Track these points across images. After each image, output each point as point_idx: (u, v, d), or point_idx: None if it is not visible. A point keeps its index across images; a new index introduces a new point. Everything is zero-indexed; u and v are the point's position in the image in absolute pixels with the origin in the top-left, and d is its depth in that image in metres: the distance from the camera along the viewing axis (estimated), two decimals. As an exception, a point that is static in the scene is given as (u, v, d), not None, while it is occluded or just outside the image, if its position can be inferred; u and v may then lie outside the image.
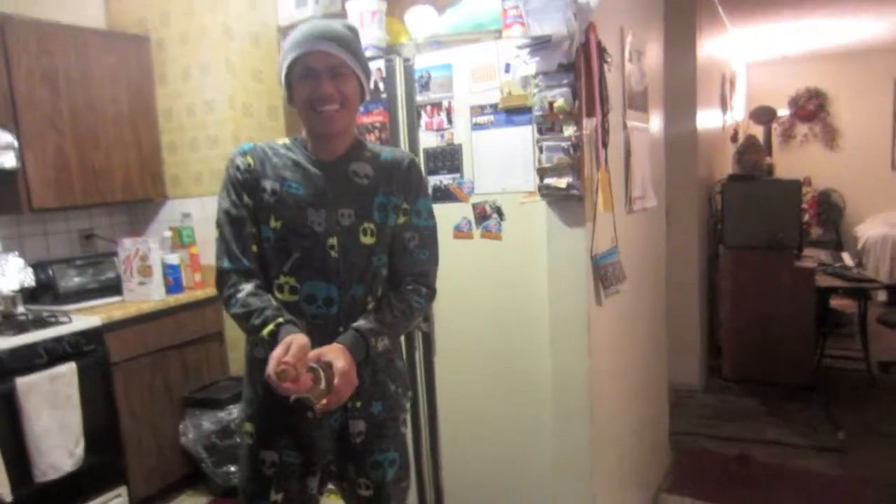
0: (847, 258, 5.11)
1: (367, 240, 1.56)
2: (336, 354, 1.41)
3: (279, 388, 1.33)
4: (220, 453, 3.02)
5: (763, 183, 4.38)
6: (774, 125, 6.26)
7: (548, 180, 2.12)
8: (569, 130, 2.06)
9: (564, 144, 2.06)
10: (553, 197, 2.15)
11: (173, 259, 3.20)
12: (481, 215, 2.40)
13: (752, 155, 4.35)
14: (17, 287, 2.94)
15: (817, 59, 6.83)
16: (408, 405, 1.74)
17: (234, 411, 3.04)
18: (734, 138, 5.38)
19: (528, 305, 2.33)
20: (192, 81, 3.36)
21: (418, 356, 2.61)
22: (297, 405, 1.42)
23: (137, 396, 3.01)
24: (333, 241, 1.53)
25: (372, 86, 2.59)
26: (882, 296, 5.49)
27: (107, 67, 3.28)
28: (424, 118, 2.48)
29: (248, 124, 3.32)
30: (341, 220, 1.54)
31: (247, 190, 1.54)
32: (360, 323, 1.51)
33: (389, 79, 2.54)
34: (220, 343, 3.40)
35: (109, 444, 2.86)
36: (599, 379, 2.25)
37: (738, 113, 6.02)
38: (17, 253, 3.04)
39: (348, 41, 1.50)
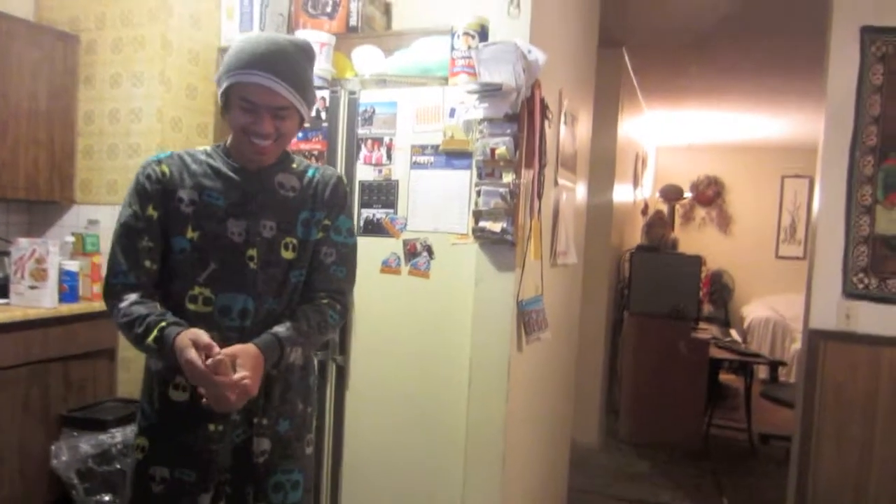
0: (735, 334, 5.46)
1: (288, 254, 1.53)
2: (245, 358, 1.36)
3: (214, 385, 1.29)
4: (96, 480, 2.77)
5: (668, 255, 4.66)
6: (677, 206, 6.72)
7: (483, 223, 2.17)
8: (508, 178, 2.13)
9: (502, 190, 2.12)
10: (486, 240, 2.20)
11: (72, 266, 2.99)
12: (411, 252, 2.41)
13: (659, 229, 4.64)
14: None
15: (718, 149, 7.43)
16: (314, 425, 1.68)
17: (118, 435, 2.82)
18: (644, 212, 5.72)
19: (448, 347, 2.33)
20: (121, 89, 3.23)
21: (329, 389, 2.54)
22: (202, 413, 1.37)
23: (8, 409, 2.72)
24: (253, 252, 1.50)
25: (314, 113, 2.59)
26: (764, 373, 5.89)
27: (28, 60, 3.11)
28: (364, 151, 2.50)
29: (176, 138, 3.21)
30: (263, 231, 1.51)
31: (154, 201, 1.47)
32: (278, 329, 1.46)
33: (333, 110, 2.55)
34: (110, 361, 3.17)
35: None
36: (514, 426, 2.27)
37: (647, 190, 6.43)
38: None
39: (295, 72, 1.43)
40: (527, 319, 2.24)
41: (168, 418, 1.49)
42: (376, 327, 2.47)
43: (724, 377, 5.85)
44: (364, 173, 2.49)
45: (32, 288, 2.93)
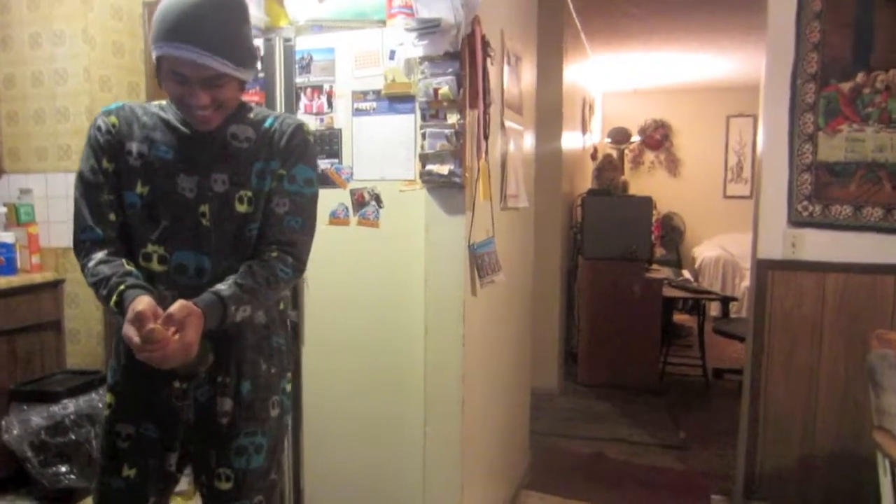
0: (687, 274, 5.58)
1: (242, 208, 1.46)
2: (182, 316, 1.29)
3: (148, 358, 1.25)
4: (50, 452, 2.71)
5: (619, 198, 4.70)
6: (627, 151, 6.76)
7: (430, 167, 2.12)
8: (452, 118, 2.08)
9: (447, 132, 2.08)
10: (434, 184, 2.16)
11: (7, 237, 2.87)
12: (359, 202, 2.36)
13: (609, 173, 4.67)
14: None
15: (664, 92, 7.46)
16: (286, 387, 1.63)
17: (70, 405, 2.75)
18: (594, 157, 5.74)
19: (402, 295, 2.31)
20: (42, 49, 3.06)
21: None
22: (167, 371, 1.32)
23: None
24: (205, 208, 1.44)
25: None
26: (716, 310, 6.05)
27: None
28: (304, 101, 2.41)
29: (106, 99, 3.06)
30: (214, 185, 1.44)
31: (108, 153, 1.42)
32: (220, 287, 1.39)
33: (268, 59, 2.44)
34: (57, 332, 3.07)
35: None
36: (472, 370, 2.27)
37: (595, 136, 6.45)
38: None
39: (224, 37, 1.33)
40: (479, 262, 2.22)
41: (133, 375, 1.47)
42: (329, 281, 2.42)
43: (679, 317, 6.00)
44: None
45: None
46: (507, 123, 2.59)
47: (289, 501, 2.53)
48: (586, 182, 5.38)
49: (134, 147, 1.43)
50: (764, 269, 2.79)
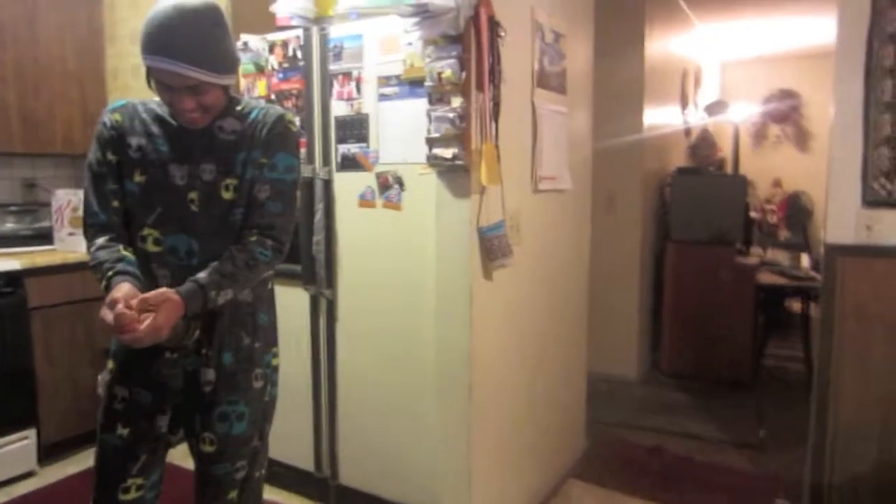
0: (805, 259, 5.10)
1: (228, 195, 1.58)
2: (157, 304, 1.41)
3: (124, 339, 1.38)
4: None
5: (709, 177, 4.38)
6: (747, 125, 6.23)
7: (435, 150, 2.14)
8: (456, 101, 2.08)
9: (451, 115, 2.08)
10: (441, 167, 2.17)
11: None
12: (384, 185, 2.43)
13: (704, 150, 4.35)
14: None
15: (791, 59, 6.72)
16: (272, 361, 1.74)
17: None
18: (688, 133, 5.37)
19: (420, 277, 2.36)
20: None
21: (322, 322, 2.65)
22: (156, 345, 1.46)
23: (57, 343, 3.07)
24: (194, 195, 1.57)
25: (290, 53, 2.62)
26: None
27: (54, 25, 3.34)
28: (336, 87, 2.51)
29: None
30: (203, 175, 1.57)
31: (111, 146, 1.58)
32: (200, 275, 1.52)
33: (307, 48, 2.56)
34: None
35: (20, 385, 2.92)
36: (483, 353, 2.27)
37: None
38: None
39: (201, 47, 1.42)
40: (489, 246, 2.21)
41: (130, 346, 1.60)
42: (359, 262, 2.53)
43: (796, 305, 5.51)
44: (338, 109, 2.51)
45: (71, 234, 3.22)
46: (539, 102, 2.52)
47: (326, 466, 2.70)
48: (682, 159, 5.05)
49: (134, 141, 1.58)
50: (833, 255, 2.51)
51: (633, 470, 3.12)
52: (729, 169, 5.56)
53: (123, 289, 1.43)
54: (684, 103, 4.83)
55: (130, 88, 3.48)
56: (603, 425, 3.59)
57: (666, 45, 4.48)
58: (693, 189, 4.20)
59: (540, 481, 2.81)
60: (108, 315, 1.38)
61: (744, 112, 6.24)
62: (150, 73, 1.47)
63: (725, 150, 5.81)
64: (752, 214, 5.28)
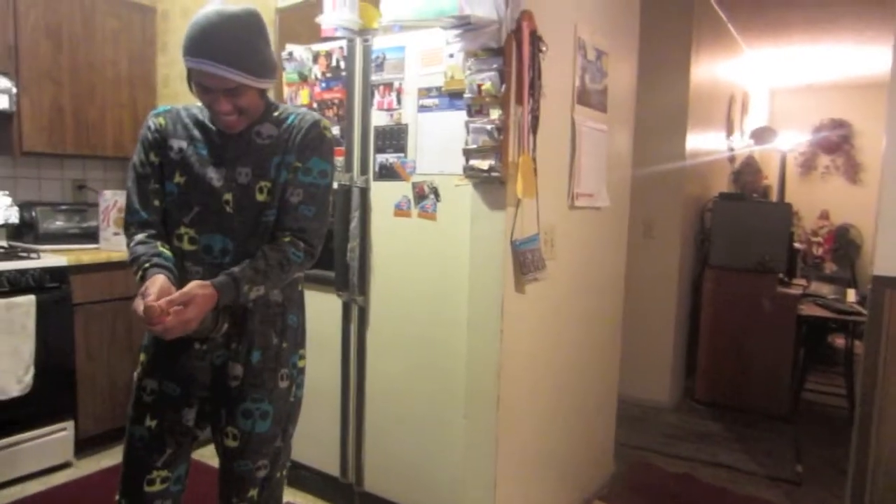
0: (852, 294, 4.94)
1: (262, 197, 1.63)
2: (189, 298, 1.44)
3: (154, 330, 1.41)
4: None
5: (752, 203, 4.28)
6: (795, 154, 6.09)
7: (472, 161, 2.14)
8: (495, 114, 2.08)
9: (489, 127, 2.09)
10: (477, 179, 2.18)
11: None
12: (420, 195, 2.44)
13: (748, 176, 4.27)
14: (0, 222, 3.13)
15: (843, 88, 6.59)
16: (298, 363, 1.76)
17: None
18: (732, 160, 5.28)
19: (453, 287, 2.36)
20: (190, 52, 3.51)
21: (353, 329, 2.66)
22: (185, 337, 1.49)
23: (97, 338, 3.15)
24: (229, 196, 1.61)
25: (334, 63, 2.67)
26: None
27: (110, 31, 3.47)
28: (377, 97, 2.54)
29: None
30: (238, 177, 1.62)
31: (154, 149, 1.64)
32: (235, 269, 1.56)
33: (350, 58, 2.61)
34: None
35: (61, 378, 3.00)
36: (513, 365, 2.26)
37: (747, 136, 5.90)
38: (6, 192, 3.22)
39: (241, 52, 1.48)
40: (522, 259, 2.19)
41: (160, 338, 1.60)
42: (392, 270, 2.54)
43: (839, 341, 5.34)
44: (378, 119, 2.54)
45: (116, 234, 3.31)
46: (581, 120, 2.52)
47: (352, 472, 2.70)
48: (725, 185, 4.95)
49: (175, 143, 1.64)
50: (881, 287, 2.43)
51: (661, 497, 3.05)
52: (774, 197, 5.45)
53: (158, 281, 1.47)
54: (730, 129, 4.76)
55: (179, 95, 3.58)
56: (633, 450, 3.52)
57: (713, 69, 4.43)
58: (735, 215, 4.11)
59: (565, 500, 2.76)
60: (140, 305, 1.41)
61: (792, 140, 6.11)
62: (191, 76, 1.53)
63: (771, 178, 5.70)
64: (797, 245, 5.15)
